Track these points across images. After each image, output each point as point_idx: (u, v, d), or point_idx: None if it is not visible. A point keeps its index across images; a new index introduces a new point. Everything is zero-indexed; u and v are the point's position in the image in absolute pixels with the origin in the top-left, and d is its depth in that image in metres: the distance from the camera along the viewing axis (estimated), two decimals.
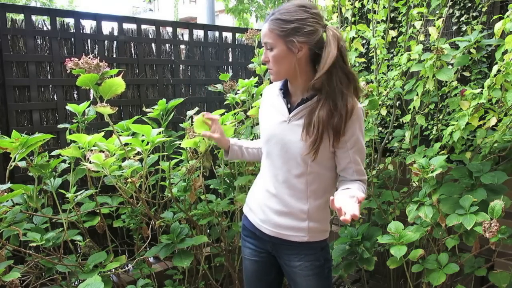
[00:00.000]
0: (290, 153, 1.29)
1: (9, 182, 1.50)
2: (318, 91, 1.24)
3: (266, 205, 1.38)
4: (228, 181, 2.14)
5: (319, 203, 1.33)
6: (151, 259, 2.15)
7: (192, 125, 1.54)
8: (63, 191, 1.61)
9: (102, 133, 1.51)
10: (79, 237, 1.72)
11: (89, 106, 1.90)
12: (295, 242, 1.34)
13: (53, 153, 1.72)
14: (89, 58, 1.29)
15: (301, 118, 1.28)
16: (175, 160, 1.78)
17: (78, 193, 1.57)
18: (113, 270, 1.68)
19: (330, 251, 1.44)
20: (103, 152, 1.46)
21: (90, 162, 1.43)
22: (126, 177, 1.53)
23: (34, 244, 1.56)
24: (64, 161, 1.75)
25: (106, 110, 1.37)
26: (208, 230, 2.21)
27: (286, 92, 1.36)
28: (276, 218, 1.35)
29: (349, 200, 1.09)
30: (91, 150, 1.48)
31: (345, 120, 1.22)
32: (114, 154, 1.51)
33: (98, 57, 1.42)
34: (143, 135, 1.54)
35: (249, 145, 1.57)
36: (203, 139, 1.59)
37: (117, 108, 1.42)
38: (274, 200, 1.35)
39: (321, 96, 1.23)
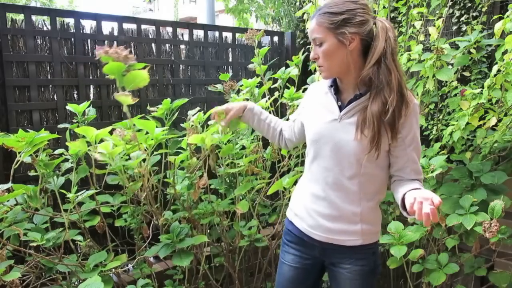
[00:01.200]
0: (342, 153, 1.23)
1: (11, 181, 1.51)
2: (368, 86, 1.19)
3: (314, 210, 1.31)
4: (228, 181, 2.14)
5: (371, 204, 1.28)
6: (151, 259, 2.15)
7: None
8: (64, 191, 1.61)
9: (110, 128, 1.49)
10: (79, 237, 1.72)
11: (89, 106, 1.91)
12: (348, 246, 1.29)
13: (56, 151, 1.73)
14: (120, 48, 1.29)
15: (354, 116, 1.22)
16: (183, 155, 1.75)
17: (80, 193, 1.57)
18: (114, 269, 1.68)
19: (380, 256, 1.37)
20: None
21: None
22: (133, 169, 1.52)
23: (34, 244, 1.56)
24: (66, 160, 1.75)
25: (127, 99, 1.30)
26: (208, 230, 2.21)
27: (336, 90, 1.30)
28: (326, 223, 1.29)
29: (425, 203, 1.02)
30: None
31: (401, 114, 1.17)
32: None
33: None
34: (147, 132, 1.53)
35: (263, 118, 1.54)
36: (211, 134, 1.60)
37: (137, 99, 1.37)
38: (323, 204, 1.29)
39: (372, 91, 1.18)
